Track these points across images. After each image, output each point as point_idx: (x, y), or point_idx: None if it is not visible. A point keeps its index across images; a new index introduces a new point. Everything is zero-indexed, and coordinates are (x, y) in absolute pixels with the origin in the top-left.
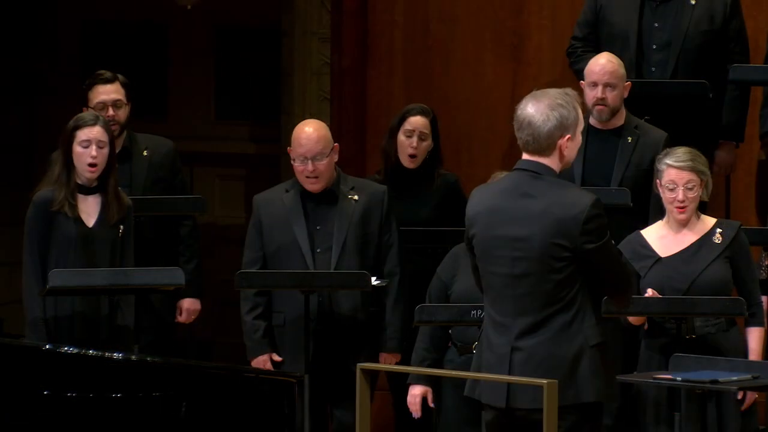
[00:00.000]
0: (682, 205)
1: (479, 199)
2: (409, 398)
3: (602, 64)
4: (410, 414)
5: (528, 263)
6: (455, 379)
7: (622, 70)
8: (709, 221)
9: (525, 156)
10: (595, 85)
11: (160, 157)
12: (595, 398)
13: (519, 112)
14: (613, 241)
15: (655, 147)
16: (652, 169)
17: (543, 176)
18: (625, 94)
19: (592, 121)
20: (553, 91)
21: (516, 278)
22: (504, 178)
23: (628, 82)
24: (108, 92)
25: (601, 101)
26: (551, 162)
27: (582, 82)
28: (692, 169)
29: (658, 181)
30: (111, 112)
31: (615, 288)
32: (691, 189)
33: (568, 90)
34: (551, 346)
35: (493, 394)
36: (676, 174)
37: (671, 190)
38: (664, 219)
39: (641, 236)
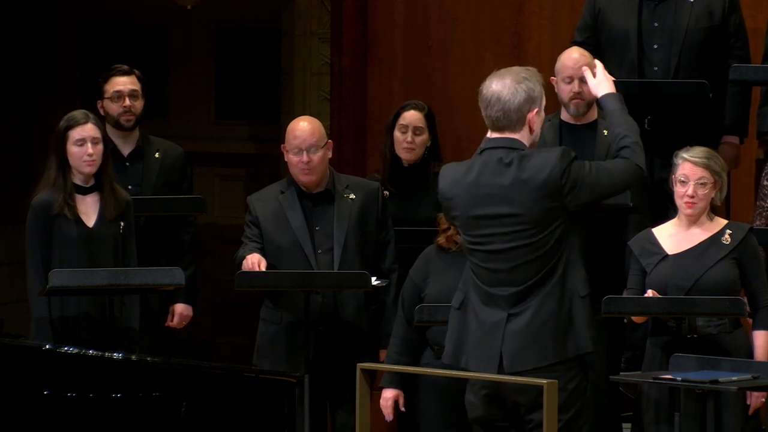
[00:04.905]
0: (691, 200)
1: (453, 180)
2: (381, 401)
3: (576, 58)
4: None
5: (516, 236)
6: (435, 383)
7: (594, 63)
8: (721, 222)
9: (493, 134)
10: (570, 79)
11: (172, 161)
12: (592, 348)
13: (484, 90)
14: (587, 166)
15: None
16: None
17: (514, 150)
18: None
19: (564, 116)
20: (516, 68)
21: (507, 252)
22: (477, 159)
23: None
24: (125, 83)
25: (577, 95)
26: (521, 137)
27: (553, 78)
28: (706, 167)
29: (673, 176)
30: (127, 102)
31: (619, 187)
32: (702, 185)
33: (529, 67)
34: (548, 306)
35: (483, 362)
36: (689, 168)
37: (683, 183)
38: (676, 217)
39: (652, 233)
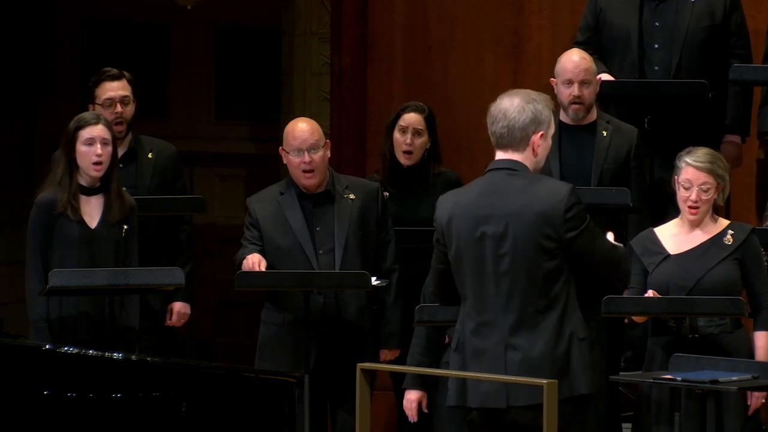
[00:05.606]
0: (694, 205)
1: (453, 204)
2: (405, 403)
3: (576, 61)
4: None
5: (513, 259)
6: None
7: (594, 66)
8: (723, 222)
9: (498, 154)
10: (570, 82)
11: (164, 160)
12: (588, 390)
13: (493, 107)
14: (594, 225)
15: (629, 140)
16: (629, 162)
17: (518, 172)
18: (597, 90)
19: (563, 117)
20: (528, 90)
21: (501, 275)
22: (477, 181)
23: (599, 77)
24: (115, 89)
25: (577, 99)
26: (524, 159)
27: (553, 79)
28: (710, 171)
29: (675, 177)
30: (119, 108)
31: (607, 271)
32: (705, 191)
33: (543, 94)
34: (545, 345)
35: (488, 396)
36: (693, 173)
37: (686, 188)
38: (679, 217)
39: (653, 233)
